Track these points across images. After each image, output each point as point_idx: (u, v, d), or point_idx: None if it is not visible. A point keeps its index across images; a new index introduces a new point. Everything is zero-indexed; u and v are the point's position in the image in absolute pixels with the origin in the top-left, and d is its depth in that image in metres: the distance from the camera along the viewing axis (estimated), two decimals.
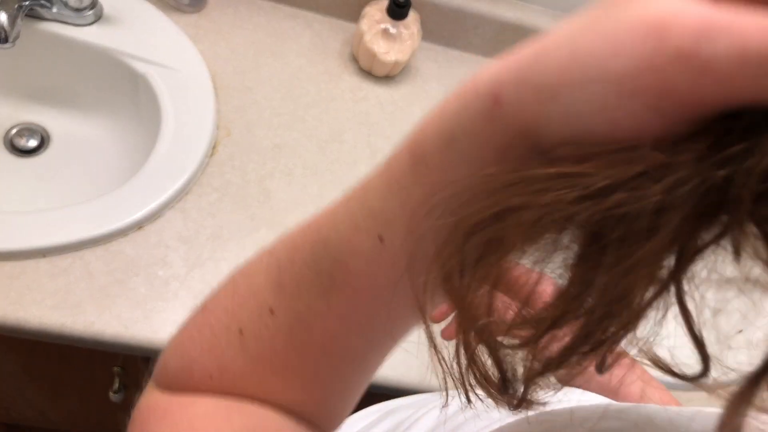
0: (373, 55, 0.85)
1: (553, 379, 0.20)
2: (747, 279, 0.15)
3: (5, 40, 0.69)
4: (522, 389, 0.20)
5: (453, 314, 0.49)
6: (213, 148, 0.76)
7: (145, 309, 0.64)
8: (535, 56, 0.18)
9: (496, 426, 0.34)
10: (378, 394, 0.59)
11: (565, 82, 0.17)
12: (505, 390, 0.21)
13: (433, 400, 0.46)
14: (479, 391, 0.22)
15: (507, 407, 0.21)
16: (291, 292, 0.28)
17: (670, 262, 0.16)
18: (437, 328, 0.52)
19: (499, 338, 0.20)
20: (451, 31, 0.93)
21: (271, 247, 0.31)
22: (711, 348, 0.18)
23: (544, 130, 0.18)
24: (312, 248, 0.28)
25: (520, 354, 0.20)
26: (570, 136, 0.17)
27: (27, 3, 0.72)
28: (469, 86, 0.21)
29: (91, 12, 0.76)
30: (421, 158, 0.23)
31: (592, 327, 0.17)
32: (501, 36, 0.94)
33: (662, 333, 0.18)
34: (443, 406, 0.44)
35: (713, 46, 0.14)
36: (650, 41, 0.14)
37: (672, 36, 0.14)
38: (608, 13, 0.16)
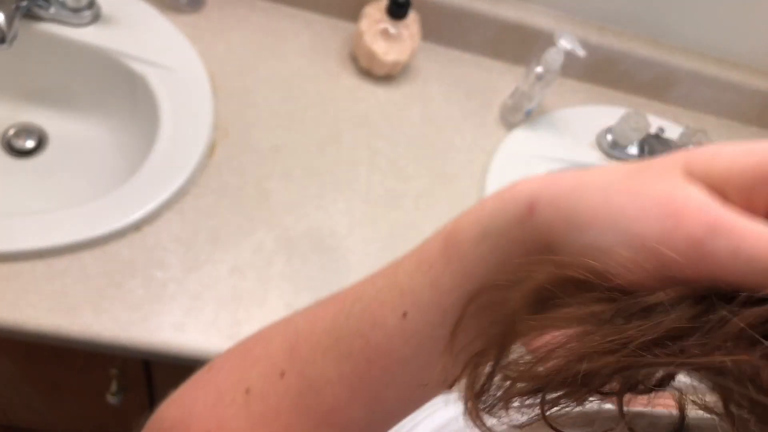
0: (372, 55, 0.85)
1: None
2: None
3: (2, 41, 0.68)
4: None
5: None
6: (211, 149, 0.76)
7: (143, 311, 0.63)
8: (573, 188, 0.22)
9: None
10: None
11: (595, 224, 0.21)
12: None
13: (433, 403, 0.46)
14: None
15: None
16: (305, 357, 0.30)
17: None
18: None
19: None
20: (451, 31, 0.93)
21: (288, 317, 0.32)
22: None
23: (564, 248, 0.22)
24: (334, 317, 0.30)
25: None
26: (582, 256, 0.21)
27: (24, 3, 0.71)
28: (510, 191, 0.25)
29: (88, 12, 0.76)
30: (454, 247, 0.26)
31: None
32: (501, 36, 0.93)
33: None
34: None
35: (717, 241, 0.18)
36: (671, 220, 0.18)
37: (688, 224, 0.18)
38: (643, 180, 0.20)
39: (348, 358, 0.28)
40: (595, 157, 0.91)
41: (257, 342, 0.33)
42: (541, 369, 0.20)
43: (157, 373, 0.82)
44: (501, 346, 0.21)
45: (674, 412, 0.21)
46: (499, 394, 0.21)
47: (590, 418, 0.23)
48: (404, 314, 0.27)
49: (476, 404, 0.22)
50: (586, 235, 0.21)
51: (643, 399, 0.23)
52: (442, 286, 0.26)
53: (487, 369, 0.22)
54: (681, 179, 0.19)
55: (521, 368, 0.21)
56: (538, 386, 0.20)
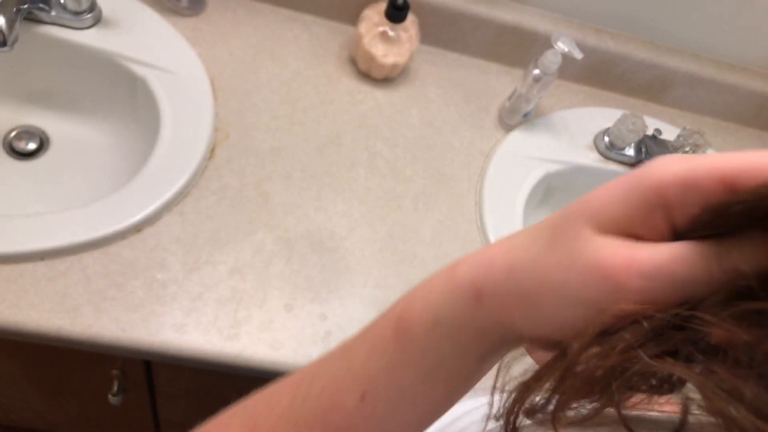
0: (371, 58, 0.85)
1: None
2: None
3: (3, 44, 0.69)
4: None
5: None
6: (211, 151, 0.76)
7: (144, 312, 0.64)
8: (509, 271, 0.25)
9: None
10: None
11: (548, 301, 0.23)
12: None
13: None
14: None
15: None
16: None
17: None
18: None
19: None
20: (450, 34, 0.94)
21: (246, 401, 0.33)
22: None
23: (526, 324, 0.24)
24: (291, 401, 0.31)
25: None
26: (542, 330, 0.24)
27: (25, 6, 0.72)
28: (453, 280, 0.27)
29: (89, 15, 0.76)
30: (407, 334, 0.28)
31: None
32: (499, 38, 0.94)
33: None
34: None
35: (644, 278, 0.20)
36: (609, 281, 0.21)
37: (621, 276, 0.21)
38: (565, 250, 0.23)
39: None
40: (592, 158, 0.91)
41: (216, 429, 0.34)
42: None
43: (158, 374, 0.83)
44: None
45: (675, 416, 0.22)
46: (550, 408, 0.23)
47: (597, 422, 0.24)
48: (362, 397, 0.29)
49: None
50: (545, 311, 0.23)
51: (644, 402, 0.24)
52: (398, 370, 0.28)
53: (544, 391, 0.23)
54: (595, 237, 0.22)
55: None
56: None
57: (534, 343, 0.25)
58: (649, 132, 0.91)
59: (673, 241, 0.21)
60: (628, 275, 0.20)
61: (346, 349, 0.31)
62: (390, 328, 0.29)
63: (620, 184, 0.22)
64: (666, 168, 0.21)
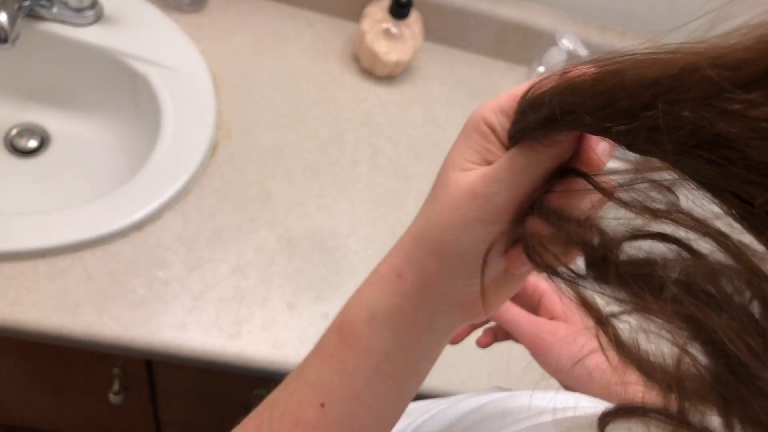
0: (374, 55, 0.85)
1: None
2: None
3: (5, 41, 0.68)
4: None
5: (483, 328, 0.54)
6: (213, 149, 0.76)
7: (145, 310, 0.64)
8: (414, 238, 0.30)
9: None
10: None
11: (447, 242, 0.28)
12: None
13: (434, 406, 0.46)
14: None
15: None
16: None
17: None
18: None
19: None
20: (453, 31, 0.93)
21: None
22: None
23: (442, 283, 0.29)
24: (257, 430, 0.32)
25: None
26: (457, 274, 0.28)
27: (27, 3, 0.71)
28: (375, 273, 0.31)
29: (91, 12, 0.76)
30: (350, 333, 0.31)
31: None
32: (503, 36, 0.93)
33: None
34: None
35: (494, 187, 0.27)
36: (479, 198, 0.27)
37: (486, 193, 0.27)
38: (445, 197, 0.29)
39: None
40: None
41: None
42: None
43: (159, 373, 0.82)
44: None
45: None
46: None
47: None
48: (322, 405, 0.31)
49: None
50: (451, 252, 0.28)
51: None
52: (349, 371, 0.31)
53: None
54: (459, 175, 0.28)
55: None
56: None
57: (459, 301, 0.29)
58: None
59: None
60: (486, 185, 0.27)
61: (300, 368, 0.33)
62: (335, 335, 0.32)
63: (461, 132, 0.30)
64: (483, 105, 0.29)
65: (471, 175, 0.28)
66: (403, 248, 0.30)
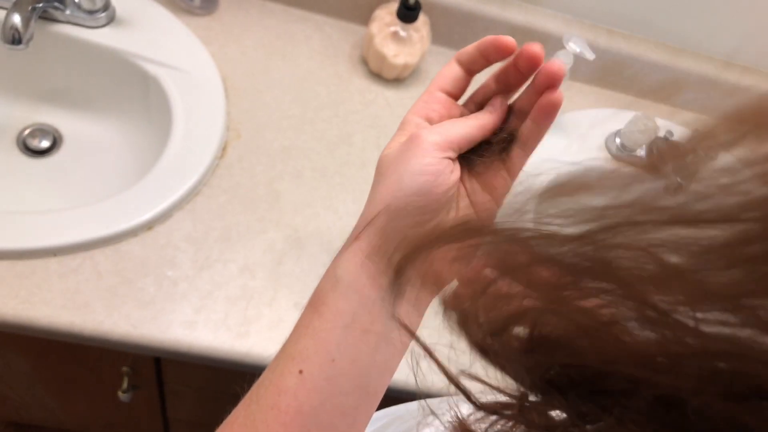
0: (382, 58, 0.85)
1: None
2: None
3: (19, 42, 0.69)
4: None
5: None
6: (223, 150, 0.76)
7: (154, 309, 0.64)
8: (369, 203, 0.36)
9: None
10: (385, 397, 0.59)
11: (398, 206, 0.34)
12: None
13: (442, 406, 0.46)
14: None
15: None
16: None
17: None
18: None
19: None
20: (461, 34, 0.93)
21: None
22: None
23: (393, 236, 0.33)
24: (246, 409, 0.34)
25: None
26: (414, 242, 0.33)
27: (41, 5, 0.72)
28: (340, 247, 0.36)
29: (103, 14, 0.77)
30: (319, 301, 0.34)
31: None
32: None
33: None
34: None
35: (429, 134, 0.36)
36: (426, 144, 0.35)
37: (428, 139, 0.35)
38: (402, 153, 0.36)
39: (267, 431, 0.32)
40: (603, 160, 0.91)
41: None
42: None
43: (168, 371, 0.83)
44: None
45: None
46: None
47: None
48: (300, 371, 0.33)
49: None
50: (402, 216, 0.34)
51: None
52: (321, 333, 0.33)
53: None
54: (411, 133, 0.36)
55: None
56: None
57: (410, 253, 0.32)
58: (661, 134, 0.91)
59: None
60: (426, 131, 0.35)
61: (281, 347, 0.35)
62: (307, 309, 0.35)
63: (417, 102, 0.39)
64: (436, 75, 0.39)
65: (420, 129, 0.36)
66: (362, 214, 0.35)
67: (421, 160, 0.34)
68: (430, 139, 0.34)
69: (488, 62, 0.38)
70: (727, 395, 0.16)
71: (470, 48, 0.38)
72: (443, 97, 0.38)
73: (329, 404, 0.32)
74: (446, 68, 0.39)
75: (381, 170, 0.37)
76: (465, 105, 0.40)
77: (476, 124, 0.36)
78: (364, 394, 0.34)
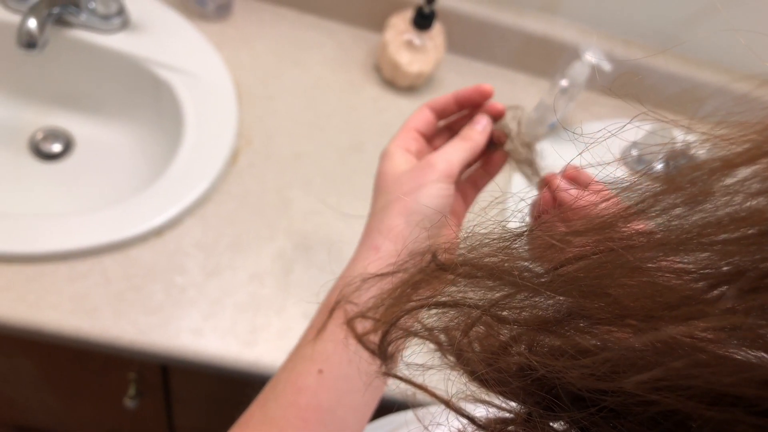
0: (396, 66, 0.85)
1: None
2: None
3: (34, 46, 0.69)
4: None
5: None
6: (234, 157, 0.76)
7: (162, 316, 0.64)
8: (373, 213, 0.41)
9: None
10: (389, 406, 0.58)
11: (415, 219, 0.39)
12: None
13: (445, 413, 0.45)
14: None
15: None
16: None
17: None
18: None
19: None
20: (476, 43, 0.93)
21: None
22: None
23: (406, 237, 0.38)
24: (263, 407, 0.35)
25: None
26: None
27: (57, 10, 0.73)
28: (358, 256, 0.40)
29: (118, 19, 0.77)
30: (338, 307, 0.35)
31: None
32: (526, 48, 0.93)
33: None
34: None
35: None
36: (434, 168, 0.43)
37: (437, 163, 0.43)
38: (415, 174, 0.43)
39: (286, 427, 0.34)
40: (619, 171, 0.89)
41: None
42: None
43: (175, 378, 0.82)
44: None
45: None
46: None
47: None
48: (320, 371, 0.34)
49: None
50: (421, 206, 0.40)
51: None
52: (339, 337, 0.34)
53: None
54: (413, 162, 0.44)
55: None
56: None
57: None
58: (679, 146, 0.89)
59: None
60: (437, 159, 0.42)
61: (293, 351, 0.37)
62: (325, 312, 0.36)
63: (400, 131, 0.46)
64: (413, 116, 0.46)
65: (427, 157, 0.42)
66: (369, 229, 0.39)
67: (438, 185, 0.41)
68: (441, 168, 0.42)
69: (459, 109, 0.47)
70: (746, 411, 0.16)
71: (445, 98, 0.47)
72: (418, 135, 0.46)
73: (345, 401, 0.35)
74: (418, 113, 0.47)
75: (387, 187, 0.42)
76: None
77: (471, 147, 0.45)
78: (372, 390, 0.37)
